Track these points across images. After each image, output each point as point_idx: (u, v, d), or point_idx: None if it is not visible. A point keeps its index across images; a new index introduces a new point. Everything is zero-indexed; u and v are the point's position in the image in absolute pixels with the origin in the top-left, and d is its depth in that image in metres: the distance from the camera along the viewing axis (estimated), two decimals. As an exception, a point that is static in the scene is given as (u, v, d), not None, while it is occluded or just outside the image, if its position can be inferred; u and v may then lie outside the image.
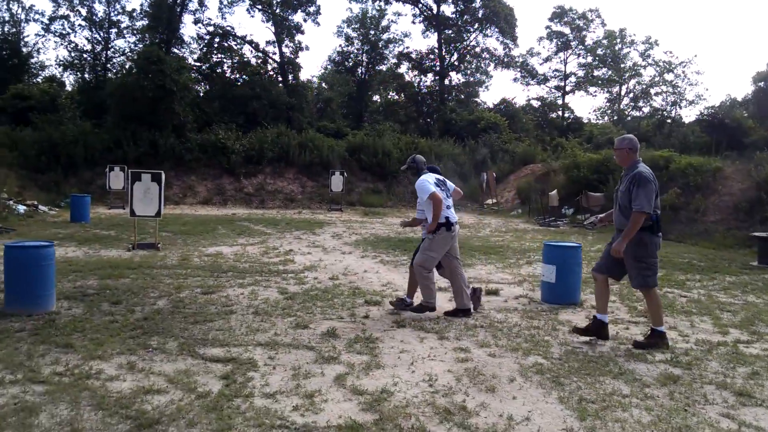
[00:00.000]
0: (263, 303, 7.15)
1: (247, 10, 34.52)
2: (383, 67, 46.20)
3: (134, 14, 34.11)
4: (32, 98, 29.76)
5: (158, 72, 25.29)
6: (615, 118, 53.00)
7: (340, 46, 48.36)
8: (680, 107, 49.75)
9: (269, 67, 35.16)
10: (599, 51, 53.97)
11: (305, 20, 35.71)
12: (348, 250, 12.24)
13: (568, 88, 54.26)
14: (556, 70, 54.55)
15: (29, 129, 25.18)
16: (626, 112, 52.66)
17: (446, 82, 44.02)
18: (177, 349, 5.21)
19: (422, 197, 6.57)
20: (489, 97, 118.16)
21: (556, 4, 67.59)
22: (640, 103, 52.67)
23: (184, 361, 4.91)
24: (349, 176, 25.30)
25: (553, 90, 54.65)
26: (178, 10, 30.91)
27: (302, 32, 35.54)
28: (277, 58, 34.85)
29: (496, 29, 43.45)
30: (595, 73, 54.55)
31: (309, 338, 5.70)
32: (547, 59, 54.68)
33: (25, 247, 6.51)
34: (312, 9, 34.86)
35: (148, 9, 32.38)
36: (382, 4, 44.47)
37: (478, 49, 43.56)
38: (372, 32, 45.70)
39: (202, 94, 32.32)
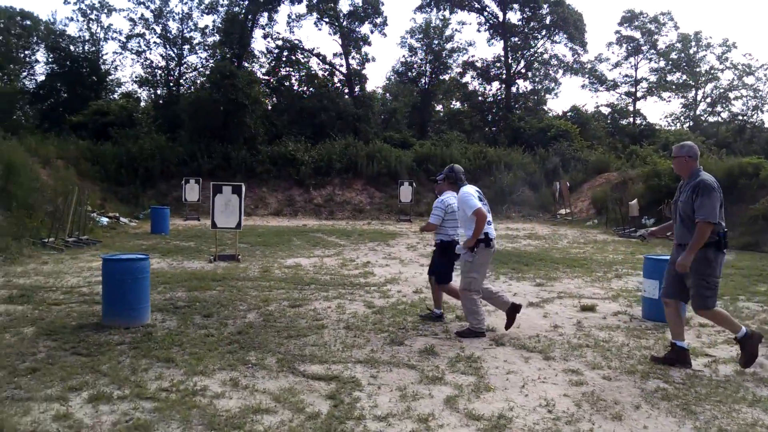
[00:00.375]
0: (352, 317, 7.00)
1: (315, 23, 35.01)
2: (447, 77, 45.88)
3: (206, 30, 35.07)
4: (111, 114, 31.08)
5: (231, 86, 25.87)
6: (691, 123, 50.90)
7: (404, 56, 48.46)
8: (762, 111, 47.20)
9: (336, 79, 35.45)
10: (672, 55, 52.03)
11: (372, 32, 35.82)
12: (426, 263, 11.99)
13: (639, 94, 52.55)
14: (627, 76, 52.93)
15: (109, 143, 26.16)
16: (703, 118, 50.41)
17: (513, 90, 43.29)
18: (277, 366, 5.10)
19: (466, 212, 6.07)
20: (558, 104, 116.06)
21: (626, 8, 65.75)
22: (718, 108, 50.28)
23: (286, 379, 4.79)
24: (417, 186, 25.09)
25: (623, 96, 53.04)
26: (250, 25, 31.57)
27: (369, 44, 35.71)
28: (343, 69, 35.10)
29: (565, 35, 42.45)
30: (669, 77, 52.63)
31: (407, 356, 5.49)
32: (617, 65, 53.11)
33: (123, 260, 6.58)
34: (379, 20, 35.00)
35: (220, 25, 33.22)
36: (446, 13, 44.29)
37: (546, 56, 42.60)
38: (436, 42, 45.53)
39: (270, 107, 32.86)
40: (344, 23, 34.60)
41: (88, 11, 38.73)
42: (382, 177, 27.25)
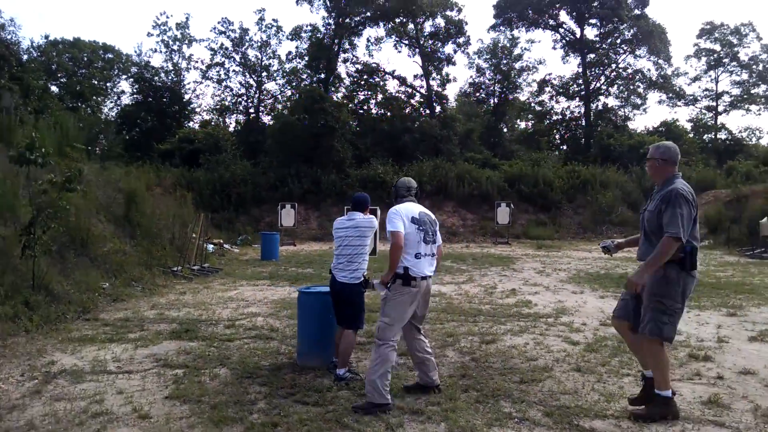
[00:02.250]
0: (566, 355, 6.21)
1: (394, 45, 34.83)
2: (518, 96, 44.86)
3: (289, 57, 35.41)
4: (198, 141, 31.43)
5: (320, 110, 25.71)
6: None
7: (471, 77, 47.57)
8: None
9: (415, 101, 35.06)
10: (758, 66, 49.55)
11: (455, 51, 35.37)
12: (574, 289, 11.10)
13: (720, 108, 50.22)
14: (707, 90, 50.69)
15: (200, 170, 26.32)
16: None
17: (593, 106, 41.92)
18: (549, 420, 4.36)
19: (387, 233, 4.80)
20: (644, 120, 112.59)
21: (705, 20, 63.32)
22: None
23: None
24: (514, 207, 24.17)
25: (704, 111, 50.77)
26: (336, 50, 31.59)
27: (454, 63, 35.24)
28: (423, 90, 34.69)
29: (647, 49, 40.89)
30: (754, 90, 50.12)
31: (698, 408, 4.64)
32: (696, 78, 50.97)
33: (321, 294, 5.98)
34: (461, 40, 34.51)
35: (304, 50, 33.43)
36: (516, 32, 43.31)
37: (630, 71, 41.09)
38: (504, 62, 44.61)
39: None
40: (426, 44, 34.22)
41: (171, 42, 39.78)
42: (473, 198, 26.45)
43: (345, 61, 33.18)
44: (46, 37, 54.71)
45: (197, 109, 40.79)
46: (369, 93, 35.21)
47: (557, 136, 45.63)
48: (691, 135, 47.24)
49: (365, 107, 35.60)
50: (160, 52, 40.60)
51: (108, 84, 47.11)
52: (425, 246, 4.81)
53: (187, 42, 40.15)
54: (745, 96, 50.02)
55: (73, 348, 6.57)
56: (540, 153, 34.10)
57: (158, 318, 8.25)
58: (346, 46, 33.34)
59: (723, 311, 8.83)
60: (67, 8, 77.75)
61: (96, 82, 45.22)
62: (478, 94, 45.52)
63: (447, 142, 31.51)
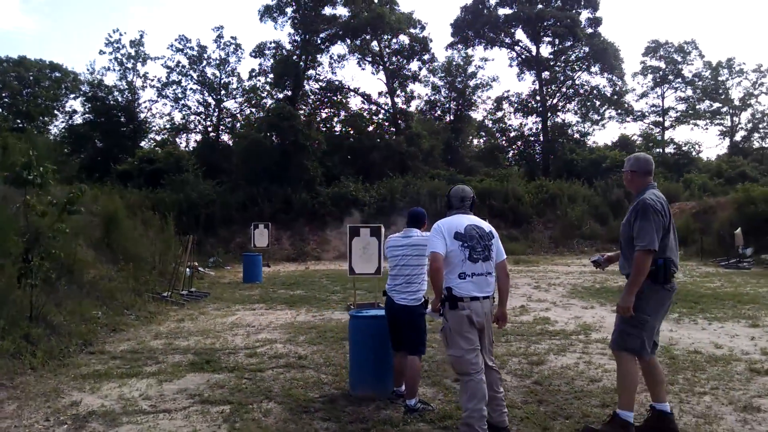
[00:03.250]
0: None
1: (358, 63, 34.63)
2: (474, 113, 45.38)
3: (253, 74, 34.79)
4: (158, 161, 30.38)
5: (289, 128, 25.21)
6: (727, 150, 50.14)
7: (426, 94, 47.78)
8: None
9: (380, 118, 34.94)
10: (701, 83, 51.64)
11: (420, 68, 35.43)
12: (582, 304, 10.97)
13: (667, 123, 52.05)
14: (654, 106, 52.48)
15: (165, 190, 25.39)
16: (745, 144, 49.45)
17: (549, 123, 42.70)
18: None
19: (427, 252, 4.44)
20: (602, 136, 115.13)
21: (650, 38, 65.76)
22: (762, 133, 49.44)
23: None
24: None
25: (651, 126, 52.48)
26: (303, 66, 31.15)
27: (420, 80, 35.30)
28: (388, 107, 34.61)
29: (601, 67, 42.02)
30: (698, 106, 52.17)
31: None
32: (643, 95, 52.71)
33: (375, 318, 5.57)
34: (426, 57, 34.63)
35: (269, 67, 32.88)
36: (471, 51, 43.79)
37: (587, 88, 42.09)
38: (459, 79, 45.03)
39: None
40: (389, 61, 34.17)
41: (125, 60, 38.54)
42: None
43: (309, 78, 32.78)
44: (-11, 56, 52.42)
45: (154, 128, 39.44)
46: (333, 110, 34.89)
47: (515, 153, 46.25)
48: (642, 150, 48.70)
49: (328, 125, 35.23)
50: (114, 70, 39.33)
51: (55, 103, 45.28)
52: (471, 265, 4.24)
53: (141, 60, 38.98)
54: (690, 111, 52.01)
55: (91, 386, 5.95)
56: (507, 169, 34.39)
57: (168, 348, 7.65)
58: (310, 62, 32.94)
59: (743, 322, 8.82)
60: (13, 26, 74.82)
61: (42, 102, 43.39)
62: (434, 112, 45.81)
63: (414, 158, 31.42)
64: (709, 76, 51.76)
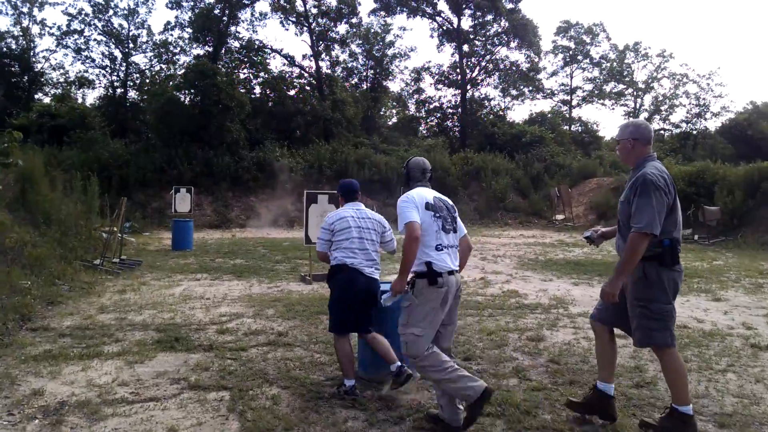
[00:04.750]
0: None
1: (281, 22, 33.08)
2: (391, 83, 44.98)
3: (168, 27, 32.35)
4: (61, 116, 27.85)
5: (211, 86, 23.71)
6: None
7: (344, 61, 46.73)
8: (705, 119, 49.37)
9: (303, 81, 33.69)
10: (605, 64, 53.79)
11: (348, 32, 34.30)
12: (540, 276, 10.94)
13: (574, 102, 54.00)
14: (563, 84, 54.23)
15: (72, 149, 23.30)
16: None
17: (468, 95, 43.02)
18: (727, 432, 3.88)
19: (399, 225, 4.02)
20: (520, 111, 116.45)
21: (562, 18, 67.55)
22: (660, 116, 52.27)
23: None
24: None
25: (560, 104, 54.27)
26: (225, 20, 29.24)
27: (347, 44, 34.17)
28: (312, 71, 33.41)
29: (520, 42, 42.63)
30: (604, 86, 54.38)
31: None
32: (554, 73, 54.29)
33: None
34: (354, 20, 33.55)
35: (186, 21, 30.70)
36: (390, 19, 43.13)
37: (507, 63, 42.62)
38: (377, 48, 44.34)
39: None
40: (315, 22, 32.88)
41: (20, 4, 34.87)
42: (374, 184, 25.89)
43: (229, 35, 30.95)
44: None
45: (52, 81, 36.11)
46: (253, 71, 33.23)
47: (433, 124, 46.34)
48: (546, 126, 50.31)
49: (247, 86, 33.60)
50: (6, 14, 35.53)
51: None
52: (445, 236, 4.00)
53: (38, 4, 35.40)
54: (596, 92, 54.14)
55: (49, 370, 5.09)
56: (433, 139, 34.34)
57: (123, 324, 6.78)
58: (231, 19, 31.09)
59: (703, 296, 9.04)
60: None
61: None
62: (351, 79, 44.93)
63: (338, 125, 30.62)
64: (615, 59, 54.03)
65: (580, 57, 53.74)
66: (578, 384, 4.83)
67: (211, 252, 14.45)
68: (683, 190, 20.64)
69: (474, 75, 43.69)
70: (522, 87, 43.78)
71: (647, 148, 3.87)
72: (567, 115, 53.17)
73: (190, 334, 6.42)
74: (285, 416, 4.16)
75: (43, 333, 6.31)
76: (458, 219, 4.25)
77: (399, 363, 4.44)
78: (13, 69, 34.40)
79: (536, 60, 44.02)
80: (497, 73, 43.11)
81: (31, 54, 35.32)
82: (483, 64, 43.65)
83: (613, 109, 66.78)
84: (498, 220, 25.45)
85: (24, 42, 34.89)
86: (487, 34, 43.65)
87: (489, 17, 42.73)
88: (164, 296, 8.58)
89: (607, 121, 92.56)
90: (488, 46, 43.10)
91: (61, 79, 36.83)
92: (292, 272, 11.23)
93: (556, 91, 54.12)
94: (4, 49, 34.07)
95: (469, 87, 43.31)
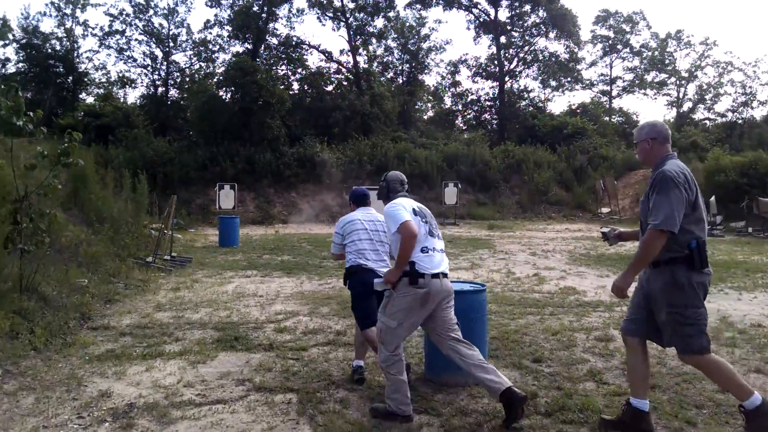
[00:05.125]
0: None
1: (318, 18, 33.06)
2: (426, 77, 44.57)
3: (208, 25, 32.62)
4: (106, 115, 28.37)
5: (252, 83, 23.81)
6: (674, 120, 51.34)
7: (380, 55, 46.45)
8: (752, 108, 47.71)
9: (341, 76, 33.66)
10: (646, 54, 52.42)
11: (385, 26, 34.12)
12: (596, 273, 10.62)
13: (614, 93, 52.78)
14: (602, 75, 53.03)
15: (119, 147, 23.70)
16: (692, 116, 50.52)
17: (507, 87, 42.43)
18: None
19: (391, 229, 4.13)
20: (561, 102, 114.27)
21: (601, 7, 65.99)
22: (705, 105, 50.75)
23: None
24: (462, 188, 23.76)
25: (599, 95, 53.10)
26: (264, 17, 29.36)
27: (385, 38, 34.01)
28: (350, 66, 33.35)
29: (559, 32, 41.81)
30: (645, 76, 53.01)
31: None
32: (593, 63, 53.13)
33: (456, 293, 4.86)
34: (392, 14, 33.36)
35: (225, 18, 30.92)
36: (425, 12, 42.70)
37: (546, 54, 41.90)
38: (412, 41, 43.95)
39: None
40: (352, 17, 32.77)
41: (63, 6, 35.60)
42: (414, 178, 25.64)
43: (267, 32, 31.05)
44: None
45: (96, 81, 36.83)
46: (291, 68, 33.31)
47: (470, 118, 45.86)
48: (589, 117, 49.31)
49: (285, 83, 33.70)
50: (50, 16, 36.33)
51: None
52: (431, 240, 4.15)
53: (81, 6, 36.09)
54: (637, 81, 52.83)
55: (114, 370, 5.06)
56: (473, 133, 33.98)
57: (181, 322, 6.77)
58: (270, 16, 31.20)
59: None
60: None
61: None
62: (386, 73, 44.67)
63: (376, 120, 30.48)
64: (657, 47, 52.62)
65: (619, 46, 52.53)
66: (660, 388, 4.58)
67: (257, 248, 14.48)
68: (735, 181, 20.00)
69: (512, 67, 43.10)
70: (561, 78, 42.91)
71: (666, 146, 3.78)
72: (607, 106, 52.17)
73: (248, 332, 6.36)
74: (357, 421, 4.03)
75: (103, 332, 6.33)
76: (429, 215, 4.38)
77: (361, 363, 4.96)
78: (58, 70, 35.17)
79: (575, 50, 43.14)
80: (536, 65, 42.37)
81: (75, 55, 36.03)
82: (521, 55, 43.03)
83: (656, 99, 65.18)
84: (541, 214, 25.02)
85: (68, 43, 35.60)
86: (525, 24, 43.01)
87: (527, 7, 42.10)
88: (218, 294, 8.57)
89: (649, 111, 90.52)
90: (526, 37, 42.45)
91: (104, 79, 37.52)
92: (341, 269, 11.07)
93: (595, 82, 53.05)
94: (50, 50, 34.85)
95: (507, 79, 42.76)
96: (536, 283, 9.42)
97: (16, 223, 6.03)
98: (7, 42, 39.06)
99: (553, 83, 43.45)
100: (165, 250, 11.62)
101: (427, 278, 3.97)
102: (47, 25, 49.68)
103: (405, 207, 4.14)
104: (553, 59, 41.80)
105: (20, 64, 35.56)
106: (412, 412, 4.04)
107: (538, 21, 42.39)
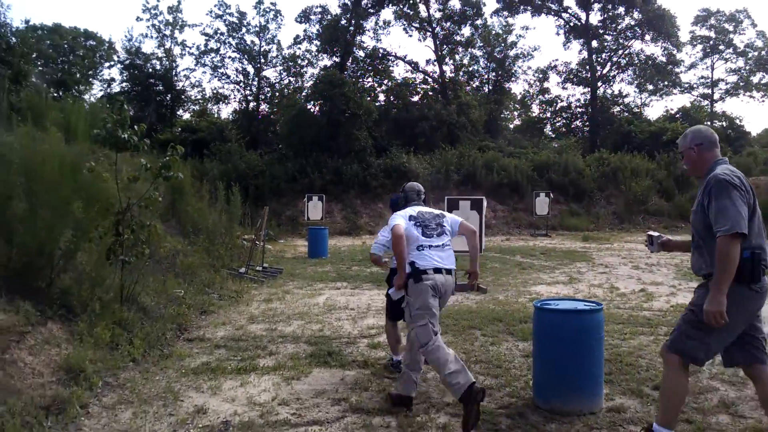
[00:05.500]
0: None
1: (404, 29, 33.10)
2: (514, 85, 43.62)
3: (297, 40, 33.40)
4: (201, 130, 29.52)
5: (340, 96, 24.01)
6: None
7: (466, 64, 45.74)
8: None
9: (427, 86, 33.50)
10: (752, 54, 49.02)
11: (473, 34, 33.78)
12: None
13: (716, 96, 49.64)
14: (702, 77, 50.02)
15: (213, 161, 24.52)
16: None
17: (599, 92, 40.83)
18: None
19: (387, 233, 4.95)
20: (658, 107, 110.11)
21: (700, 6, 62.72)
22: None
23: None
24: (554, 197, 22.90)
25: (699, 98, 50.07)
26: (352, 30, 29.76)
27: (473, 46, 33.67)
28: (436, 76, 33.13)
29: (655, 34, 39.86)
30: (751, 77, 49.59)
31: None
32: (692, 66, 50.24)
33: (570, 312, 4.45)
34: (479, 22, 32.95)
35: (314, 34, 31.54)
36: (512, 20, 41.78)
37: (642, 57, 40.06)
38: (498, 49, 43.06)
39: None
40: (438, 27, 32.57)
41: (162, 27, 37.51)
42: (502, 188, 25.08)
43: (354, 45, 31.37)
44: (27, 21, 51.61)
45: (192, 98, 38.52)
46: (377, 79, 33.47)
47: (560, 125, 44.48)
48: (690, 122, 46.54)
49: (371, 94, 33.91)
50: (151, 37, 38.35)
51: (91, 72, 44.49)
52: (426, 239, 4.55)
53: (179, 27, 37.88)
54: (741, 84, 49.54)
55: (209, 384, 4.97)
56: (565, 140, 32.92)
57: (274, 336, 6.67)
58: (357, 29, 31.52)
59: None
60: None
61: (77, 70, 42.60)
62: (472, 82, 44.00)
63: (463, 129, 30.03)
64: (763, 46, 49.18)
65: (721, 47, 49.51)
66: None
67: (345, 259, 14.42)
68: None
69: (605, 71, 41.45)
70: (658, 81, 40.85)
71: (714, 151, 3.53)
72: (708, 111, 49.16)
73: (342, 347, 6.17)
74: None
75: (199, 344, 6.31)
76: (448, 220, 4.76)
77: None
78: (158, 88, 37.01)
79: (674, 52, 40.96)
80: (631, 68, 40.58)
81: (174, 73, 37.80)
82: (615, 59, 41.32)
83: (763, 101, 60.77)
84: (640, 225, 23.71)
85: (167, 63, 37.41)
86: (618, 27, 41.33)
87: (620, 10, 40.46)
88: (309, 306, 8.47)
89: (756, 115, 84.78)
90: (620, 40, 40.75)
91: (199, 96, 39.14)
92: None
93: (695, 85, 50.20)
94: (150, 70, 36.75)
95: (599, 84, 41.17)
96: (644, 300, 8.73)
97: (118, 235, 6.10)
98: (113, 63, 41.95)
99: (650, 87, 41.37)
100: (257, 261, 11.71)
101: (429, 273, 4.37)
102: (148, 46, 52.76)
103: (401, 215, 4.69)
104: (650, 62, 39.84)
105: (124, 84, 37.79)
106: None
107: (632, 23, 40.67)
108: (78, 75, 42.76)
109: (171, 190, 11.81)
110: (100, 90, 41.16)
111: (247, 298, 9.01)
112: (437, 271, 4.38)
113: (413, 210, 4.74)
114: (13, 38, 32.15)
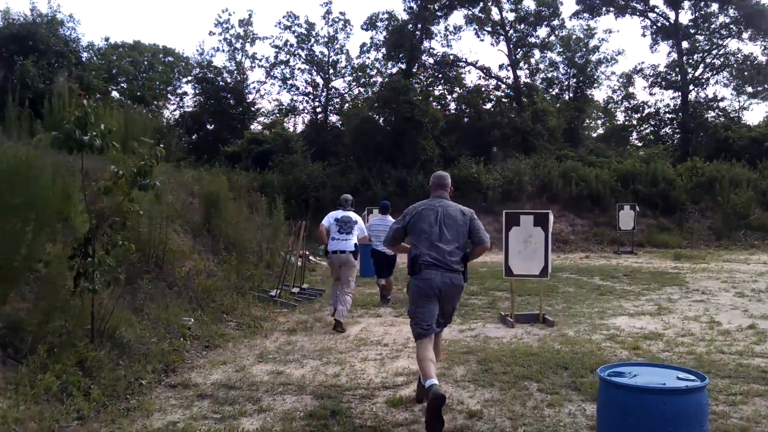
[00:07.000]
0: None
1: (476, 33, 31.50)
2: (596, 91, 40.84)
3: (364, 48, 32.56)
4: (267, 142, 29.10)
5: (405, 103, 22.77)
6: None
7: (544, 70, 43.29)
8: None
9: (500, 92, 31.77)
10: None
11: (549, 35, 31.87)
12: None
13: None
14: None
15: (274, 172, 23.89)
16: None
17: (691, 97, 37.66)
18: None
19: None
20: (757, 112, 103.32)
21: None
22: None
23: None
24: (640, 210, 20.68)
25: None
26: (419, 35, 28.55)
27: (549, 49, 31.78)
28: (510, 81, 31.35)
29: (754, 32, 36.36)
30: None
31: None
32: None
33: (657, 393, 2.91)
34: (556, 23, 30.97)
35: (380, 41, 30.55)
36: (593, 22, 39.16)
37: (739, 57, 36.71)
38: (579, 54, 40.52)
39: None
40: (513, 29, 30.81)
41: (234, 41, 37.66)
42: (581, 200, 23.02)
43: (423, 51, 30.11)
44: (106, 39, 53.62)
45: (262, 111, 38.47)
46: (447, 87, 32.01)
47: (648, 132, 41.42)
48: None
49: (441, 103, 32.48)
50: (223, 51, 38.67)
51: (169, 87, 45.49)
52: (339, 234, 8.09)
53: (250, 40, 37.96)
54: None
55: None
56: (653, 147, 30.33)
57: (276, 382, 5.41)
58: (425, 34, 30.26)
59: None
60: (126, 10, 77.00)
61: (157, 86, 43.59)
62: (551, 90, 41.58)
63: (539, 137, 28.07)
64: None
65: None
66: None
67: (400, 278, 13.04)
68: None
69: (697, 74, 38.19)
70: (759, 83, 37.25)
71: None
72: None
73: (353, 404, 4.82)
74: None
75: (181, 391, 5.13)
76: (353, 221, 8.34)
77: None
78: (229, 101, 37.12)
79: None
80: (727, 70, 37.24)
81: (244, 86, 37.82)
82: (708, 60, 37.98)
83: None
84: (741, 242, 21.04)
85: (238, 75, 37.49)
86: (712, 26, 38.05)
87: (713, 7, 37.25)
88: (336, 339, 7.19)
89: None
90: (714, 40, 37.45)
91: (270, 110, 39.05)
92: (490, 308, 9.35)
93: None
94: (221, 83, 36.91)
95: (691, 88, 37.96)
96: (755, 341, 6.89)
97: (86, 257, 5.03)
98: (189, 79, 42.56)
99: (749, 90, 37.79)
100: (294, 281, 10.56)
101: (330, 254, 8.20)
102: (219, 60, 53.65)
103: (329, 216, 8.41)
104: (748, 62, 36.38)
105: (196, 98, 38.19)
106: None
107: (728, 21, 37.32)
108: (157, 90, 43.79)
109: (206, 202, 10.95)
110: (174, 105, 41.79)
111: (268, 327, 7.83)
112: (334, 252, 8.21)
113: (339, 213, 8.37)
114: (85, 54, 33.16)
